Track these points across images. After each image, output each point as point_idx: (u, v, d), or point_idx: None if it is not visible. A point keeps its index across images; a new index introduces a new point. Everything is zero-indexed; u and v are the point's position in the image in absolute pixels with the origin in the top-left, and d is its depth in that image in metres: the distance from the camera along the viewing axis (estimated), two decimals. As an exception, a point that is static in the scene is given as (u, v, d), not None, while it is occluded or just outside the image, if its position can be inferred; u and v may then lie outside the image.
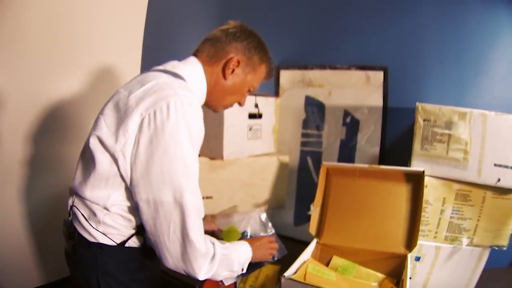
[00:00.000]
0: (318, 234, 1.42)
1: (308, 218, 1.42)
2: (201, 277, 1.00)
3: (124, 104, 0.97)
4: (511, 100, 1.57)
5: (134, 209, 0.99)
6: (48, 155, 2.02)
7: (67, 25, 1.96)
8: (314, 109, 1.94)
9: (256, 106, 1.77)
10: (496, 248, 1.33)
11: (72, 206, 1.06)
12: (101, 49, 2.17)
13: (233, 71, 1.15)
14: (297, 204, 2.00)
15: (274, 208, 1.82)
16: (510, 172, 1.23)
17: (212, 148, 1.69)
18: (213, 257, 1.01)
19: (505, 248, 1.32)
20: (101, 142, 0.97)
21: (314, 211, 1.42)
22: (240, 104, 1.29)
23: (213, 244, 1.04)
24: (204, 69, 1.14)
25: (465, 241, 1.35)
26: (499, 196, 1.29)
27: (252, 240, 1.28)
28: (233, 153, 1.69)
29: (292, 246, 1.37)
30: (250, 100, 1.73)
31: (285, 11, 2.06)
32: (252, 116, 1.76)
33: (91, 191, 1.00)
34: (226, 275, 1.11)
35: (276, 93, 2.03)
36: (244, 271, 1.18)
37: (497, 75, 1.59)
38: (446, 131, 1.30)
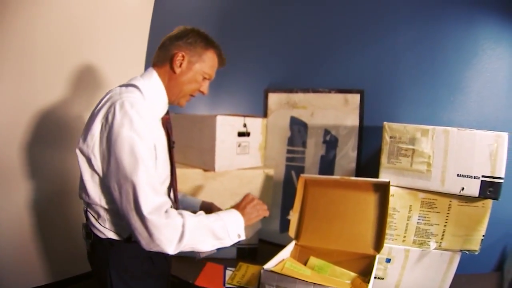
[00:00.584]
0: (297, 236, 1.48)
1: (289, 221, 1.49)
2: (171, 250, 1.02)
3: (91, 115, 1.10)
4: (486, 115, 1.59)
5: None
6: (46, 159, 2.01)
7: (69, 33, 1.97)
8: (299, 128, 1.99)
9: (245, 125, 1.84)
10: (467, 253, 1.34)
11: (85, 210, 1.18)
12: (104, 57, 2.17)
13: (180, 64, 1.21)
14: (283, 213, 2.05)
15: None
16: (474, 181, 1.26)
17: (205, 161, 1.75)
18: (183, 226, 1.02)
19: (477, 253, 1.33)
20: (79, 150, 1.09)
21: (293, 216, 1.49)
22: (203, 92, 1.32)
23: (181, 214, 1.05)
24: (158, 73, 1.23)
25: (433, 245, 1.37)
26: (466, 203, 1.32)
27: (236, 205, 1.28)
28: (224, 166, 1.75)
29: (277, 250, 1.39)
30: (239, 120, 1.83)
31: (273, 39, 2.13)
32: (241, 134, 1.85)
33: (87, 195, 1.11)
34: (214, 244, 1.11)
35: (265, 114, 2.08)
36: (242, 237, 1.18)
37: (473, 92, 1.61)
38: (410, 146, 1.34)
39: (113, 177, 1.02)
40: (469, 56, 1.60)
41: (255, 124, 1.95)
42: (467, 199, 1.31)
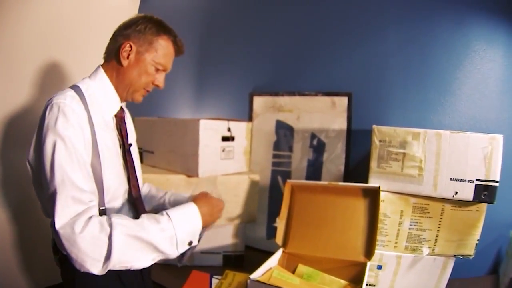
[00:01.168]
0: (284, 244, 1.42)
1: (275, 228, 1.43)
2: (97, 270, 0.84)
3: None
4: (477, 117, 1.55)
5: None
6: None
7: (51, 34, 1.87)
8: (285, 132, 1.91)
9: (229, 130, 1.77)
10: (462, 258, 1.29)
11: (50, 225, 0.98)
12: (88, 58, 1.99)
13: (128, 56, 1.08)
14: (269, 219, 1.95)
15: (246, 222, 1.79)
16: (468, 185, 1.21)
17: (189, 166, 1.68)
18: (109, 239, 0.83)
19: (471, 258, 1.28)
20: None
21: (280, 223, 1.43)
22: (158, 86, 1.17)
23: (111, 223, 0.86)
24: (106, 68, 1.11)
25: (425, 250, 1.31)
26: (459, 208, 1.26)
27: (195, 199, 1.09)
28: (207, 171, 1.67)
29: (264, 258, 1.33)
30: (223, 125, 1.74)
31: (258, 41, 2.06)
32: (225, 138, 1.75)
33: (43, 209, 1.05)
34: (155, 258, 0.92)
35: (250, 118, 2.01)
36: (195, 244, 0.99)
37: (463, 94, 1.56)
38: (401, 150, 1.28)
39: (46, 186, 0.90)
40: (460, 58, 1.55)
41: (239, 128, 1.85)
42: (461, 203, 1.25)
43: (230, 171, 1.79)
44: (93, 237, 0.82)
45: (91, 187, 0.94)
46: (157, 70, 1.14)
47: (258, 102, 1.99)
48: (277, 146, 1.93)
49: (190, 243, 0.97)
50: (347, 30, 1.78)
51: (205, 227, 1.05)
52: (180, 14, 2.28)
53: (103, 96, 1.08)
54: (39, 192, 1.01)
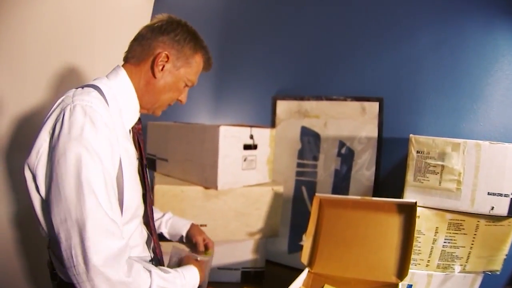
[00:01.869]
0: (310, 263, 1.44)
1: (301, 246, 1.44)
2: None
3: (39, 129, 0.93)
4: (508, 126, 1.59)
5: None
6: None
7: (63, 34, 1.92)
8: (310, 140, 1.96)
9: (251, 137, 1.79)
10: (490, 273, 1.35)
11: (48, 246, 1.02)
12: (101, 59, 2.11)
13: (163, 67, 1.08)
14: (291, 232, 2.01)
15: (267, 236, 1.82)
16: (504, 199, 1.25)
17: (207, 177, 1.70)
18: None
19: (498, 273, 1.34)
20: (28, 167, 0.93)
21: (307, 240, 1.44)
22: (181, 101, 1.21)
23: (149, 272, 0.94)
24: (131, 72, 1.08)
25: (457, 268, 1.37)
26: (493, 223, 1.31)
27: (198, 263, 1.21)
28: (228, 183, 1.72)
29: (286, 273, 1.39)
30: (245, 132, 1.78)
31: (281, 42, 2.12)
32: (247, 147, 1.79)
33: (41, 227, 0.96)
34: None
35: (273, 124, 2.05)
36: None
37: (495, 101, 1.61)
38: (439, 162, 1.32)
39: (54, 208, 0.84)
40: (491, 62, 1.60)
41: (263, 136, 1.90)
42: (494, 218, 1.30)
43: (252, 183, 1.84)
44: (136, 285, 0.89)
45: (119, 218, 0.93)
46: (186, 86, 1.17)
47: (282, 106, 2.04)
48: (301, 154, 1.98)
49: None
50: (378, 31, 1.84)
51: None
52: (198, 13, 2.33)
53: (125, 102, 1.05)
54: (41, 205, 0.93)
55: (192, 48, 1.13)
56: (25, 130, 1.81)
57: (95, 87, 0.97)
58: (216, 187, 1.68)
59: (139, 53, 1.09)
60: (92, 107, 0.89)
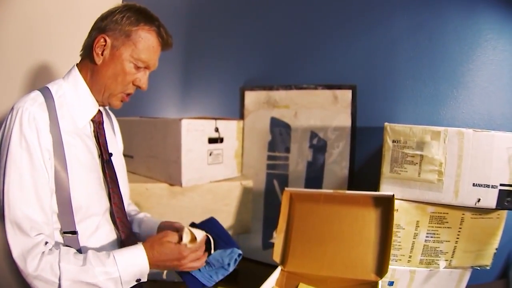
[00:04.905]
0: (283, 261, 1.35)
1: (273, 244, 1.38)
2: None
3: None
4: (493, 113, 1.50)
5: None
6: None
7: (31, 33, 1.80)
8: (280, 131, 1.85)
9: (217, 130, 1.70)
10: (479, 268, 1.27)
11: None
12: (70, 58, 1.99)
13: (102, 52, 1.00)
14: (265, 228, 1.90)
15: (239, 233, 1.75)
16: (492, 191, 1.14)
17: (171, 174, 1.61)
18: (59, 280, 0.87)
19: (488, 268, 1.26)
20: None
21: (278, 238, 1.36)
22: (140, 87, 1.07)
23: (58, 265, 0.88)
24: (81, 67, 1.04)
25: (442, 264, 1.27)
26: (479, 216, 1.21)
27: (151, 244, 0.99)
28: (193, 179, 1.61)
29: (261, 270, 1.32)
30: (209, 125, 1.69)
31: (249, 30, 2.00)
32: (212, 140, 1.68)
33: None
34: None
35: (241, 115, 1.95)
36: (145, 279, 0.97)
37: (478, 87, 1.51)
38: (418, 152, 1.21)
39: None
40: (472, 47, 1.50)
41: (229, 128, 1.79)
42: (481, 210, 1.19)
43: (220, 178, 1.74)
44: (46, 282, 0.87)
45: (43, 216, 0.91)
46: (138, 68, 1.04)
47: (250, 97, 1.93)
48: (272, 146, 1.87)
49: (138, 280, 0.97)
50: (350, 16, 1.72)
51: (157, 269, 1.02)
52: (164, 3, 2.22)
53: (76, 98, 1.01)
54: None
55: (133, 23, 1.01)
56: None
57: (43, 89, 0.97)
58: (180, 184, 1.58)
59: (85, 47, 1.05)
60: (24, 108, 0.89)
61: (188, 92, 2.18)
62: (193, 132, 1.57)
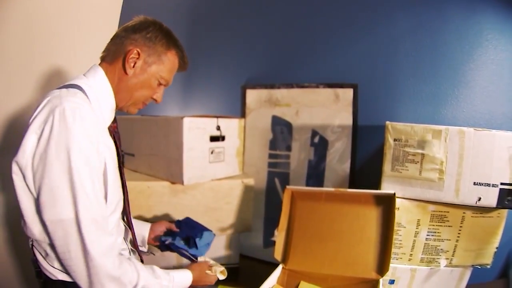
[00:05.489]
0: (284, 259, 1.35)
1: (274, 242, 1.38)
2: None
3: (25, 129, 0.91)
4: (494, 112, 1.50)
5: None
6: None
7: (32, 33, 1.81)
8: (282, 129, 1.85)
9: (218, 128, 1.69)
10: (479, 267, 1.27)
11: (32, 245, 1.02)
12: (71, 57, 2.00)
13: (134, 64, 1.05)
14: (266, 226, 1.90)
15: (240, 231, 1.74)
16: (492, 190, 1.15)
17: (172, 172, 1.60)
18: (136, 284, 0.96)
19: (489, 266, 1.26)
20: (14, 173, 0.91)
21: (279, 236, 1.37)
22: (156, 100, 1.16)
23: (138, 274, 0.97)
24: (106, 70, 1.06)
25: (443, 262, 1.27)
26: (480, 214, 1.21)
27: (192, 268, 1.20)
28: (194, 177, 1.60)
29: (262, 268, 1.33)
30: (211, 123, 1.69)
31: (250, 28, 1.99)
32: (214, 139, 1.68)
33: (26, 227, 0.94)
34: None
35: (242, 114, 1.95)
36: None
37: (478, 86, 1.51)
38: (419, 151, 1.21)
39: (47, 208, 0.86)
40: (473, 47, 1.51)
41: (230, 126, 1.78)
42: (482, 209, 1.20)
43: (221, 176, 1.73)
44: (121, 284, 0.92)
45: (106, 212, 0.96)
46: (159, 84, 1.12)
47: (252, 96, 1.92)
48: (273, 145, 1.86)
49: None
50: (351, 15, 1.72)
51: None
52: (166, 3, 2.19)
53: (103, 101, 1.04)
54: (30, 204, 0.92)
55: (165, 45, 1.09)
56: (11, 130, 1.74)
57: (78, 88, 0.97)
58: (182, 182, 1.57)
59: (113, 52, 1.07)
60: (80, 108, 0.89)
61: (189, 90, 2.16)
62: (195, 130, 1.56)
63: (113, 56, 1.06)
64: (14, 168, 0.89)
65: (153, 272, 1.03)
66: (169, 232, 1.34)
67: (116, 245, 0.95)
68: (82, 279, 0.88)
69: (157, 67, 1.08)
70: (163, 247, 1.31)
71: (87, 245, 0.86)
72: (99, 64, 1.08)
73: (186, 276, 1.14)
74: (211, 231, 1.36)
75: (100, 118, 1.00)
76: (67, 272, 0.94)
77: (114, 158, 1.05)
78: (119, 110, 1.12)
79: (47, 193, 0.85)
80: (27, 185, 0.89)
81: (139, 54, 1.04)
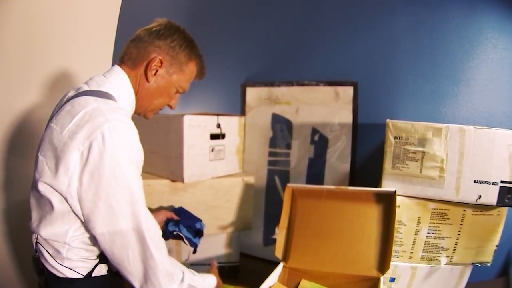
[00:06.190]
0: (285, 257, 1.35)
1: (275, 239, 1.38)
2: None
3: (59, 141, 0.88)
4: (493, 110, 1.50)
5: (94, 239, 0.93)
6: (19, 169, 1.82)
7: (32, 33, 1.80)
8: (282, 127, 1.85)
9: (219, 126, 1.68)
10: (479, 265, 1.27)
11: (37, 243, 1.01)
12: (72, 56, 2.00)
13: (156, 72, 1.06)
14: (266, 224, 1.90)
15: (240, 229, 1.74)
16: (492, 188, 1.15)
17: (173, 170, 1.59)
18: (182, 281, 0.97)
19: (489, 264, 1.27)
20: (49, 185, 0.90)
21: (280, 234, 1.37)
22: (171, 107, 1.19)
23: (183, 272, 0.99)
24: (129, 74, 1.06)
25: (443, 260, 1.28)
26: (481, 212, 1.21)
27: (215, 271, 1.23)
28: (194, 175, 1.59)
29: (262, 267, 1.33)
30: (211, 120, 1.67)
31: (249, 26, 1.99)
32: (214, 136, 1.67)
33: (49, 230, 0.95)
34: None
35: (242, 112, 1.94)
36: None
37: (478, 85, 1.51)
38: (420, 149, 1.21)
39: (103, 223, 0.88)
40: (473, 45, 1.51)
41: (231, 124, 1.77)
42: (482, 207, 1.20)
43: (221, 174, 1.72)
44: (178, 276, 0.97)
45: None
46: (177, 92, 1.15)
47: (252, 93, 1.91)
48: (273, 143, 1.86)
49: None
50: (351, 13, 1.72)
51: None
52: None
53: (127, 105, 1.04)
54: (61, 213, 0.93)
55: (187, 55, 1.11)
56: (11, 129, 1.73)
57: (110, 97, 0.97)
58: (182, 180, 1.56)
59: (135, 56, 1.06)
60: (127, 124, 0.90)
61: (189, 88, 2.10)
62: (195, 128, 1.56)
63: (136, 60, 1.06)
64: (42, 186, 0.89)
65: (190, 271, 1.05)
66: (171, 221, 1.36)
67: (178, 270, 1.00)
68: (137, 278, 0.91)
69: (177, 76, 1.10)
70: (169, 235, 1.33)
71: (152, 251, 0.89)
72: (120, 66, 1.08)
73: (213, 281, 1.16)
74: (201, 220, 1.42)
75: None
76: (79, 269, 0.97)
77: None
78: (136, 114, 1.13)
79: (106, 209, 0.87)
80: (67, 202, 0.89)
81: (161, 63, 1.05)
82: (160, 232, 0.96)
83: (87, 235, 0.95)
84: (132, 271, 0.91)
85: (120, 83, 1.03)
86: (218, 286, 1.17)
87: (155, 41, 1.05)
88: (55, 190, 0.89)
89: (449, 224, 1.24)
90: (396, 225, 1.22)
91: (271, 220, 1.87)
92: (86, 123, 0.87)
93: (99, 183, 0.85)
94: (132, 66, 1.06)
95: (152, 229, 0.92)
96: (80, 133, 0.86)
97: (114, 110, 0.91)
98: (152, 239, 0.91)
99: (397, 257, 1.28)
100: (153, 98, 1.09)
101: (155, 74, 1.06)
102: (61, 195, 0.89)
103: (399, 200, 1.23)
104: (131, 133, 0.90)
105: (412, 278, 1.30)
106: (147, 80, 1.05)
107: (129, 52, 1.07)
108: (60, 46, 1.92)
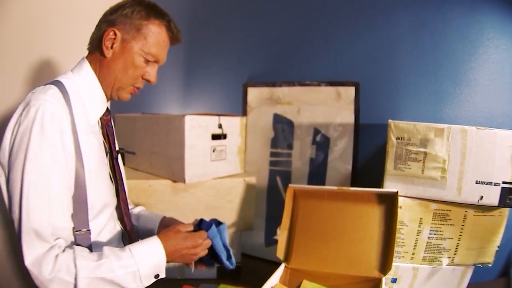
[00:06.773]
0: (287, 258, 1.34)
1: (277, 240, 1.37)
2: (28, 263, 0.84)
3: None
4: (495, 111, 1.50)
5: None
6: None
7: (25, 29, 1.78)
8: (283, 127, 1.84)
9: (220, 126, 1.67)
10: (481, 266, 1.28)
11: None
12: (64, 53, 1.94)
13: (112, 45, 0.99)
14: (268, 225, 1.90)
15: (242, 230, 1.73)
16: (494, 188, 1.15)
17: (174, 170, 1.58)
18: (75, 280, 0.83)
19: (490, 265, 1.27)
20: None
21: (281, 235, 1.35)
22: (149, 81, 1.07)
23: (75, 263, 0.84)
24: (91, 61, 1.02)
25: (445, 261, 1.28)
26: (482, 213, 1.21)
27: (164, 235, 0.99)
28: (196, 176, 1.58)
29: (263, 267, 1.31)
30: (213, 121, 1.66)
31: (251, 26, 1.98)
32: (215, 137, 1.66)
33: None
34: None
35: (244, 112, 1.94)
36: (162, 276, 0.95)
37: (479, 85, 1.51)
38: (422, 149, 1.21)
39: (11, 206, 0.87)
40: (474, 46, 1.50)
41: (232, 124, 1.77)
42: (484, 208, 1.20)
43: (222, 174, 1.71)
44: (62, 283, 0.83)
45: (64, 221, 0.90)
46: (148, 61, 1.04)
47: (253, 94, 1.91)
48: (275, 143, 1.86)
49: (157, 276, 0.94)
50: (353, 13, 1.71)
51: (172, 261, 1.00)
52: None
53: (89, 94, 0.99)
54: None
55: (143, 17, 1.01)
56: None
57: (57, 83, 0.93)
58: (183, 180, 1.55)
59: (93, 40, 1.03)
60: (45, 106, 0.85)
61: (190, 88, 2.16)
62: (197, 128, 1.55)
63: (93, 43, 1.02)
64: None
65: (100, 256, 0.89)
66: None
67: (53, 251, 0.86)
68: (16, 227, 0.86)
69: (138, 42, 1.01)
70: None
71: (23, 251, 0.83)
72: (86, 57, 1.04)
73: (153, 246, 0.95)
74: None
75: (79, 113, 0.95)
76: None
77: (99, 156, 1.01)
78: (112, 99, 1.07)
79: (10, 190, 0.85)
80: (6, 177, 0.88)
81: (115, 34, 0.99)
82: (59, 207, 0.88)
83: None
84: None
85: (81, 72, 1.00)
86: (179, 249, 0.98)
87: (107, 17, 1.01)
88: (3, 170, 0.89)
89: (451, 225, 1.24)
90: (398, 226, 1.22)
91: (273, 221, 1.87)
92: (19, 107, 0.87)
93: (10, 164, 0.85)
94: (92, 50, 1.03)
95: (30, 228, 0.83)
96: (13, 117, 0.87)
97: (42, 92, 0.89)
98: (24, 239, 0.83)
99: (399, 258, 1.28)
100: (116, 73, 1.01)
101: (111, 47, 0.99)
102: (4, 172, 0.88)
103: (401, 200, 1.22)
104: (44, 115, 0.85)
105: (414, 279, 1.30)
106: (105, 56, 0.99)
107: (91, 40, 1.04)
108: (59, 46, 1.91)
